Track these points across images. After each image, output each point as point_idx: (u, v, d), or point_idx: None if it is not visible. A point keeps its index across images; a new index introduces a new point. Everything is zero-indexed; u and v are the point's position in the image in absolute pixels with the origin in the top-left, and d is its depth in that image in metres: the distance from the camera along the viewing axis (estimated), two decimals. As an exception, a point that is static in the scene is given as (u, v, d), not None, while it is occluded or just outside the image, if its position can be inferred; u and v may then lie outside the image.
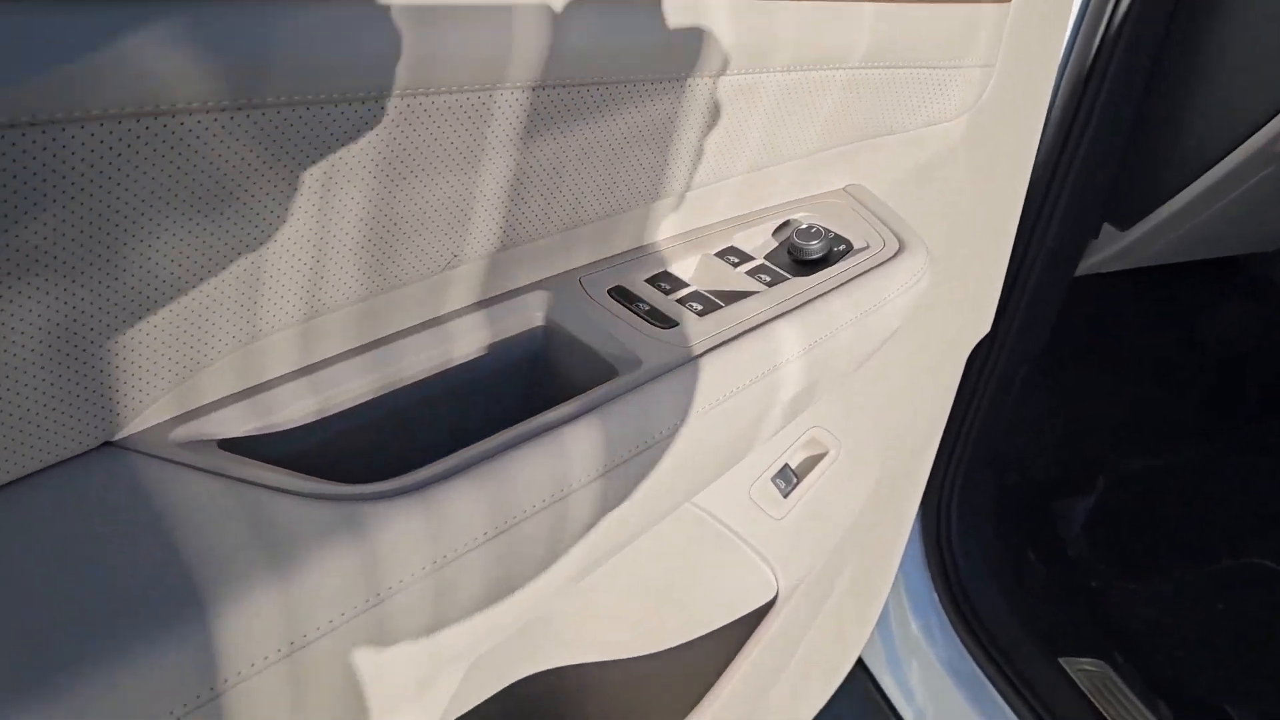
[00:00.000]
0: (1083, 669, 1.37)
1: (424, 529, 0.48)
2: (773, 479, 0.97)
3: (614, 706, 1.02)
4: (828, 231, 0.79)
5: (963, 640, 1.41)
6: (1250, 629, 1.53)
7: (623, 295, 0.68)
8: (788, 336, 0.68)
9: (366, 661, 0.48)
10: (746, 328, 0.67)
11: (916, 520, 1.47)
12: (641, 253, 0.71)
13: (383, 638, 0.48)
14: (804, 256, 0.76)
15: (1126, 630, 1.49)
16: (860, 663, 1.54)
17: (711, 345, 0.64)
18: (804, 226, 0.77)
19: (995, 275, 1.04)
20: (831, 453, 0.99)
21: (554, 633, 0.99)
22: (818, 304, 0.70)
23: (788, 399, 0.70)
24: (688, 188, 0.70)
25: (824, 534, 1.00)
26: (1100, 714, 1.28)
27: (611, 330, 0.64)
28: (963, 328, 1.07)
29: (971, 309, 1.06)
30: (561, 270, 0.68)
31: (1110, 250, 1.30)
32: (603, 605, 0.98)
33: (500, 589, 0.54)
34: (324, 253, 0.50)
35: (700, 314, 0.67)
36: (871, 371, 0.98)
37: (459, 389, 0.63)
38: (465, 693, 0.88)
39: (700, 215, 0.75)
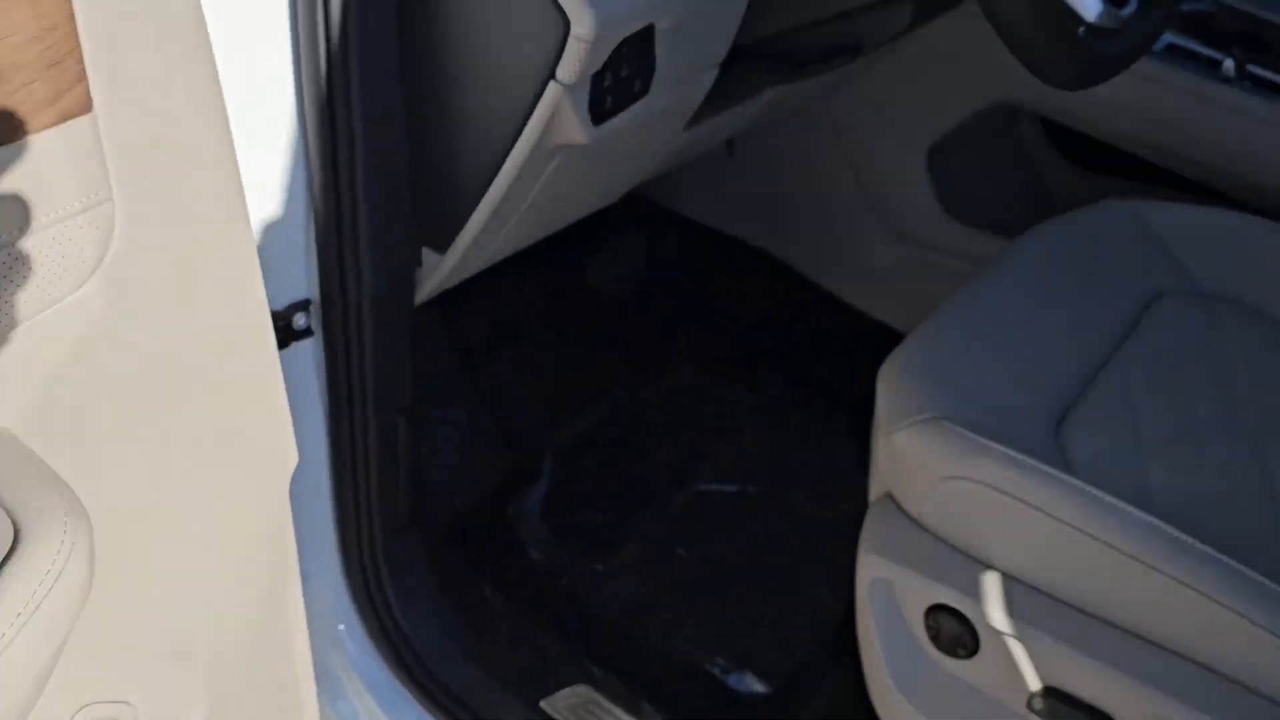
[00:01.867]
0: (564, 703, 1.26)
1: None
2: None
3: None
4: None
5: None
6: (715, 564, 1.53)
7: None
8: None
9: None
10: None
11: (361, 613, 1.25)
12: None
13: None
14: None
15: (598, 630, 1.41)
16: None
17: None
18: None
19: (272, 396, 0.81)
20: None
21: None
22: None
23: None
24: None
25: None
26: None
27: None
28: (249, 476, 0.82)
29: (259, 450, 0.82)
30: None
31: (446, 268, 1.13)
32: None
33: None
34: None
35: None
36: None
37: None
38: None
39: None
